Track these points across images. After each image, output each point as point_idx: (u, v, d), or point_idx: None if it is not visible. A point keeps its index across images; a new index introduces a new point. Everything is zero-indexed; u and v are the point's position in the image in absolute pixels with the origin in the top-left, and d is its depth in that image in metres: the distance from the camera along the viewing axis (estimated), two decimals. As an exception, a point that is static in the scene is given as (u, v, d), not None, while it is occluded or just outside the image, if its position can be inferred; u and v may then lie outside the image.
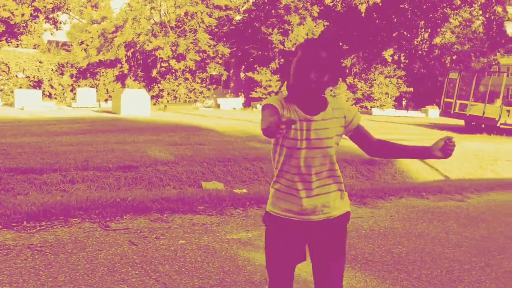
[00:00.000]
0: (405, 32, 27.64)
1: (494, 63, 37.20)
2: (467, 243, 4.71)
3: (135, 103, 17.22)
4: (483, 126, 16.88)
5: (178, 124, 14.52)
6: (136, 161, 8.58)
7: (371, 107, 26.37)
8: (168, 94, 25.16)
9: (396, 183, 8.13)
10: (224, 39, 26.02)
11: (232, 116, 19.22)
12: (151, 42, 23.15)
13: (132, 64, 25.58)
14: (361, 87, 26.73)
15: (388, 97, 26.91)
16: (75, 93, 22.88)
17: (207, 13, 24.04)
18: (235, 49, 25.96)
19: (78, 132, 11.89)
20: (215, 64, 25.89)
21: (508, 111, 16.95)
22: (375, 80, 26.68)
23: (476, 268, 4.03)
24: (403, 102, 30.02)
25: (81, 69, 23.76)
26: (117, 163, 8.33)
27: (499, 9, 30.08)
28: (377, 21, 28.85)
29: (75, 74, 24.11)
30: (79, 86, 23.59)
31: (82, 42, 24.09)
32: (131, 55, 24.28)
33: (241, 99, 27.84)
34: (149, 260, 3.75)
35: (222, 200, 5.68)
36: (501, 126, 16.48)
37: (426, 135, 15.59)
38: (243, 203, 5.73)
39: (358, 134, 2.17)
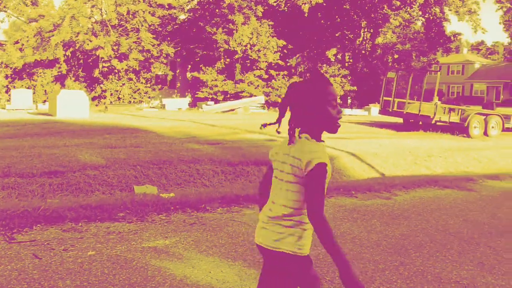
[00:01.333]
0: (347, 32, 28.16)
1: (433, 62, 38.77)
2: (386, 242, 4.75)
3: (72, 104, 16.59)
4: (420, 123, 17.41)
5: (116, 126, 14.09)
6: (63, 166, 8.21)
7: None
8: (111, 95, 24.45)
9: (328, 182, 8.19)
10: (169, 38, 25.59)
11: (176, 117, 18.90)
12: (91, 41, 22.41)
13: (73, 64, 24.69)
14: (307, 86, 27.02)
15: (333, 96, 27.21)
16: (10, 95, 21.83)
17: (149, 12, 23.54)
18: (179, 48, 25.58)
19: (5, 136, 11.28)
20: (160, 64, 25.42)
21: (444, 108, 17.59)
22: (320, 79, 26.98)
23: (390, 268, 4.06)
24: (348, 101, 30.62)
25: (16, 70, 22.67)
26: (43, 169, 7.94)
27: (437, 9, 31.30)
28: (322, 21, 29.28)
29: (10, 75, 22.99)
30: (14, 87, 22.52)
31: (17, 41, 23.00)
32: (70, 54, 23.40)
33: (187, 99, 27.50)
34: (50, 275, 3.52)
35: (145, 206, 5.49)
36: (437, 123, 17.06)
37: (365, 133, 15.92)
38: (167, 208, 5.56)
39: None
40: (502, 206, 6.51)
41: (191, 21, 26.45)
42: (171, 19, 25.71)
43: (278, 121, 2.16)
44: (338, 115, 2.15)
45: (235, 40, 24.15)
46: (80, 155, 9.10)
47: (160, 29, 25.20)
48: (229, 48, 24.39)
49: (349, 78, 29.75)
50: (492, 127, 16.72)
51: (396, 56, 33.90)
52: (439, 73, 17.84)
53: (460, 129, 16.47)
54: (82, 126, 13.56)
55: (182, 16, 27.21)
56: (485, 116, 16.73)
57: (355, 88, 28.05)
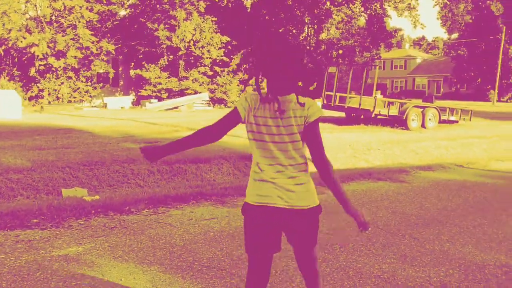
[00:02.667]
0: (291, 28, 28.30)
1: (376, 57, 39.75)
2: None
3: (3, 105, 15.70)
4: (362, 117, 17.71)
5: (49, 126, 13.44)
6: (-18, 170, 7.68)
7: (262, 102, 26.66)
8: (49, 94, 23.41)
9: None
10: (109, 35, 24.78)
11: (117, 116, 18.31)
12: (25, 39, 21.32)
13: (7, 62, 23.44)
14: (252, 82, 26.96)
15: (278, 91, 27.34)
16: None
17: (87, 7, 22.67)
18: (120, 45, 24.83)
19: None
20: (100, 61, 24.56)
21: (384, 102, 17.97)
22: (265, 75, 27.00)
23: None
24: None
25: None
26: (-42, 174, 7.39)
27: (377, 5, 32.04)
28: (266, 17, 29.29)
29: None
30: None
31: None
32: (3, 52, 22.19)
33: (131, 98, 26.79)
34: None
35: (63, 211, 5.16)
36: (378, 117, 17.40)
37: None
38: (88, 212, 5.26)
39: None
40: (430, 197, 6.61)
41: (132, 17, 25.74)
42: (111, 15, 24.90)
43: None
44: None
45: (178, 37, 23.71)
46: (3, 158, 8.55)
47: (99, 25, 24.35)
48: (172, 44, 23.91)
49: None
50: (429, 119, 17.24)
51: (340, 51, 34.47)
52: (377, 67, 18.21)
53: (399, 122, 16.88)
54: (11, 127, 12.83)
55: (123, 12, 26.46)
56: (422, 109, 17.22)
57: (300, 83, 28.19)
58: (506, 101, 49.87)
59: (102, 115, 18.71)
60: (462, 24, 55.81)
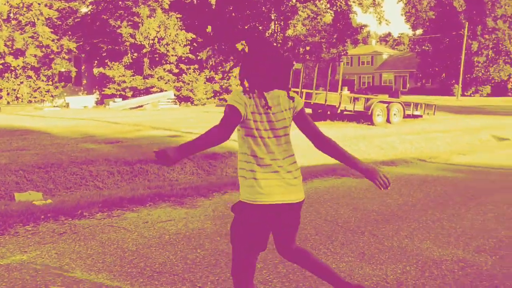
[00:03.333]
0: (257, 25, 28.19)
1: (343, 54, 40.10)
2: (271, 239, 4.55)
3: (-43, 106, 15.02)
4: (328, 113, 17.76)
5: (6, 128, 12.93)
6: None
7: (230, 99, 26.47)
8: (8, 94, 22.61)
9: (225, 177, 7.94)
10: (70, 32, 24.09)
11: (78, 116, 17.81)
12: (-20, 37, 20.53)
13: (-37, 62, 22.51)
14: (219, 79, 26.73)
15: (245, 88, 27.18)
16: None
17: (46, 4, 21.96)
18: (82, 43, 24.19)
19: None
20: (61, 60, 23.86)
21: (350, 98, 18.06)
22: (232, 72, 26.87)
23: (269, 266, 3.85)
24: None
25: None
26: None
27: (342, 2, 32.27)
28: (233, 14, 29.08)
29: None
30: None
31: None
32: (-43, 51, 21.30)
33: (94, 97, 26.17)
34: None
35: (9, 217, 4.89)
36: (344, 113, 17.49)
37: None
38: (37, 217, 5.00)
39: None
40: (392, 192, 6.60)
41: (94, 14, 25.10)
42: (72, 12, 24.22)
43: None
44: None
45: (142, 34, 23.25)
46: (-49, 162, 8.14)
47: (60, 22, 23.64)
48: (136, 42, 23.44)
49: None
50: (394, 114, 17.42)
51: (307, 48, 34.58)
52: (342, 63, 18.28)
53: (364, 117, 17.00)
54: (-36, 129, 12.29)
55: (84, 9, 25.76)
56: (387, 104, 17.39)
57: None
58: (470, 95, 51.12)
59: (63, 115, 18.16)
60: (426, 20, 56.89)
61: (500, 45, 49.82)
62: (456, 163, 9.30)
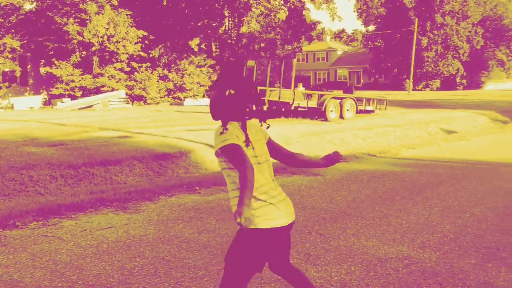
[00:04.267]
0: (211, 21, 27.87)
1: (297, 50, 40.30)
2: (215, 242, 4.39)
3: None
4: (283, 110, 17.72)
5: None
6: None
7: (184, 97, 26.09)
8: None
9: (174, 178, 7.70)
10: (13, 30, 22.97)
11: (22, 117, 17.01)
12: None
13: None
14: (173, 77, 26.23)
15: (200, 86, 26.93)
16: None
17: (-15, 1, 20.86)
18: (26, 41, 23.13)
19: None
20: (4, 59, 22.73)
21: (303, 94, 18.09)
22: (186, 70, 26.42)
23: (211, 273, 3.69)
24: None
25: None
26: None
27: (296, -1, 32.35)
28: (186, 11, 28.61)
29: None
30: None
31: None
32: None
33: (42, 97, 25.13)
34: None
35: None
36: (299, 109, 17.49)
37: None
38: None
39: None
40: (342, 189, 6.57)
41: (39, 11, 24.02)
42: (15, 9, 23.08)
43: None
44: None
45: (90, 31, 22.46)
46: None
47: (1, 20, 22.49)
48: (84, 40, 22.62)
49: (217, 68, 29.58)
50: (347, 110, 17.58)
51: (262, 44, 34.52)
52: (294, 60, 18.31)
53: (318, 113, 17.05)
54: None
55: (28, 6, 24.63)
56: (340, 100, 17.52)
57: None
58: (421, 90, 52.61)
59: (5, 117, 17.30)
60: (377, 17, 58.08)
61: (448, 40, 51.49)
62: (405, 157, 9.42)
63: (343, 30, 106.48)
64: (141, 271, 3.71)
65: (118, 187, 7.13)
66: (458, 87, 53.66)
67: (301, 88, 19.44)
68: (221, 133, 2.35)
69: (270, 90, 17.71)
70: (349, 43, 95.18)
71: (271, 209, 2.32)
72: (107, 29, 22.66)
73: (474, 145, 11.07)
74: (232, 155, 2.27)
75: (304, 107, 17.02)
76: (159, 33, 25.85)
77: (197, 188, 6.64)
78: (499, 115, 19.73)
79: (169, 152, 10.10)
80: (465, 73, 53.68)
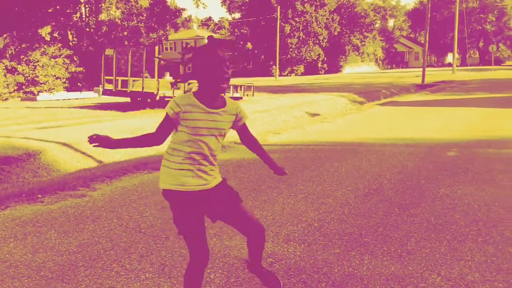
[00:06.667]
0: (63, 7, 25.56)
1: (163, 38, 39.10)
2: (52, 263, 3.67)
3: None
4: (149, 100, 16.86)
5: None
6: None
7: (38, 92, 23.65)
8: None
9: (11, 187, 6.64)
10: None
11: None
12: None
13: None
14: (23, 70, 23.59)
15: (56, 79, 24.62)
16: None
17: None
18: None
19: None
20: None
21: (171, 83, 17.40)
22: (38, 61, 23.94)
23: (40, 306, 3.00)
24: (79, 84, 28.27)
25: None
26: None
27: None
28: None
29: None
30: None
31: None
32: None
33: None
34: None
35: None
36: (166, 99, 16.76)
37: (87, 118, 14.51)
38: None
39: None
40: (206, 182, 6.16)
41: None
42: None
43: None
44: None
45: None
46: None
47: None
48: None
49: (76, 59, 27.36)
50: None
51: (125, 33, 32.79)
52: (156, 47, 17.48)
53: (185, 102, 16.53)
54: None
55: None
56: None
57: (82, 69, 25.93)
58: (287, 75, 54.69)
59: None
60: (241, 4, 58.86)
61: (309, 27, 54.09)
62: (271, 143, 9.34)
63: (210, 18, 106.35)
64: None
65: None
66: (320, 72, 56.85)
67: (167, 77, 18.66)
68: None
69: (133, 81, 16.75)
70: (217, 31, 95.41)
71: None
72: None
73: (335, 127, 11.45)
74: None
75: (170, 97, 16.36)
76: (3, 21, 23.00)
77: (40, 195, 5.73)
78: (356, 96, 21.06)
79: (13, 154, 8.87)
80: (325, 58, 56.99)
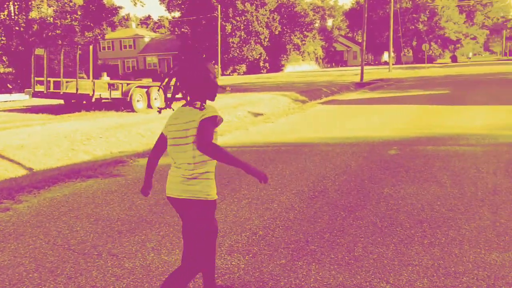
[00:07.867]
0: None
1: (100, 37, 37.74)
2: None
3: None
4: (84, 102, 16.07)
5: None
6: None
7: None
8: None
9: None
10: None
11: None
12: None
13: None
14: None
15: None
16: None
17: None
18: None
19: None
20: None
21: (107, 85, 16.68)
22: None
23: None
24: (9, 85, 26.64)
25: None
26: None
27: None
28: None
29: None
30: None
31: None
32: None
33: None
34: None
35: None
36: (103, 101, 16.05)
37: (15, 122, 13.60)
38: None
39: None
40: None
41: None
42: None
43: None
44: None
45: None
46: None
47: None
48: None
49: (4, 59, 25.76)
50: (155, 99, 16.79)
51: (58, 31, 31.26)
52: (91, 47, 16.67)
53: (124, 104, 15.89)
54: None
55: None
56: (146, 89, 16.61)
57: (11, 70, 24.42)
58: (229, 74, 54.46)
59: None
60: (180, 3, 57.96)
61: (250, 26, 54.10)
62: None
63: (149, 17, 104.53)
64: None
65: None
66: (262, 71, 57.06)
67: (105, 78, 17.91)
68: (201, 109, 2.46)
69: (67, 82, 15.91)
70: (157, 30, 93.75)
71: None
72: None
73: (278, 127, 11.34)
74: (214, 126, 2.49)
75: (108, 98, 15.69)
76: None
77: (-44, 212, 5.16)
78: (298, 95, 21.16)
79: None
80: (267, 57, 57.27)
